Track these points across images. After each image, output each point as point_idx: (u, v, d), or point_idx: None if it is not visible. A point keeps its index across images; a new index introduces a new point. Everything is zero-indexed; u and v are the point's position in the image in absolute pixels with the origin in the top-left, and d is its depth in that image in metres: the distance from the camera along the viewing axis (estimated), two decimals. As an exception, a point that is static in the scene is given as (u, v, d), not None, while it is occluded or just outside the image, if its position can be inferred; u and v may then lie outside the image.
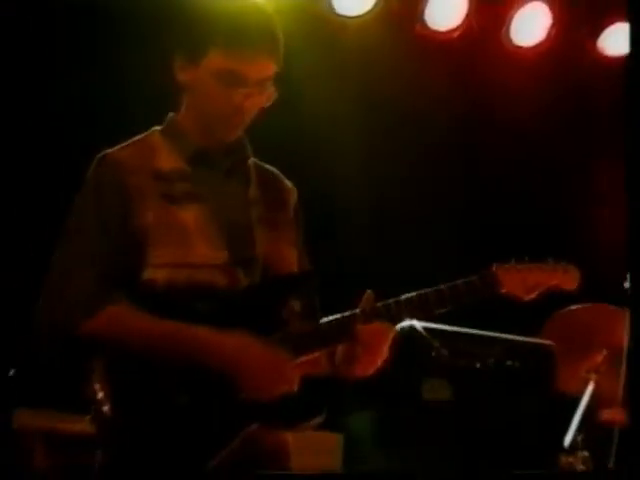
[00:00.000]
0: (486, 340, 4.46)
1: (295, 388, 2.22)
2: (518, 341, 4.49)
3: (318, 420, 2.34)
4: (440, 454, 4.39)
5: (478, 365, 4.38)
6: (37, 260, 2.46)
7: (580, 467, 4.50)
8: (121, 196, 2.27)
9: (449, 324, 4.40)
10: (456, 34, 4.98)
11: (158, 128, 2.43)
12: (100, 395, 2.18)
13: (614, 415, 4.34)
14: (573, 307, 4.47)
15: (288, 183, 2.52)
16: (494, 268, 2.36)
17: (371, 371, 2.36)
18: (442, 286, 2.34)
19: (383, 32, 4.93)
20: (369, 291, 2.33)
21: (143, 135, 2.43)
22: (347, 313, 2.32)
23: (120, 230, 2.27)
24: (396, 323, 2.39)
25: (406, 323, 4.46)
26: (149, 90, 4.05)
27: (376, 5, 4.84)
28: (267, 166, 2.50)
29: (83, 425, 3.77)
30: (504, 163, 5.30)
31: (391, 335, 2.35)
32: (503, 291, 2.35)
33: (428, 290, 2.35)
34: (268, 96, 2.33)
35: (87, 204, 2.30)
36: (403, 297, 2.35)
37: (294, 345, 2.26)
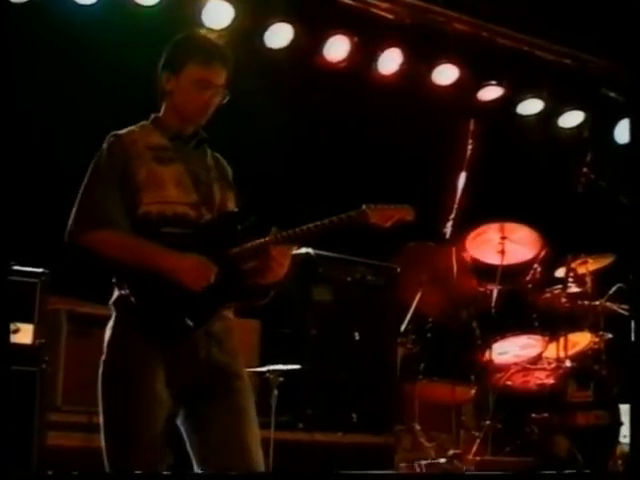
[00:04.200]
0: (354, 262, 4.69)
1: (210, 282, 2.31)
2: (375, 264, 4.75)
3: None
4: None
5: (349, 279, 4.63)
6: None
7: (408, 346, 4.82)
8: (125, 157, 2.40)
9: (332, 252, 4.60)
10: (342, 64, 5.20)
11: (146, 122, 2.54)
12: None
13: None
14: (410, 244, 4.76)
15: (225, 163, 2.62)
16: (364, 207, 2.38)
17: (278, 277, 2.42)
18: (326, 219, 2.36)
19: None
20: (274, 227, 2.39)
21: (138, 124, 2.52)
22: (262, 240, 2.38)
23: (123, 178, 2.37)
24: (295, 246, 2.42)
25: (303, 250, 4.64)
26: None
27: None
28: (213, 151, 2.60)
29: (94, 309, 3.92)
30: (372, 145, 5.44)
31: (290, 254, 2.41)
32: (371, 222, 2.37)
33: (318, 222, 2.37)
34: (223, 95, 2.49)
35: (103, 160, 2.41)
36: (298, 228, 2.37)
37: (235, 258, 2.38)
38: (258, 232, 2.43)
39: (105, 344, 2.34)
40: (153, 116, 2.56)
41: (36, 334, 3.49)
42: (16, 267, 3.46)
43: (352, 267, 4.69)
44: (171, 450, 2.32)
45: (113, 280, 2.39)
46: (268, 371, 3.87)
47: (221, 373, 2.36)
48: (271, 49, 5.04)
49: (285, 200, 4.87)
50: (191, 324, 2.30)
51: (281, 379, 3.88)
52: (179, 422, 2.36)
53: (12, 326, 3.39)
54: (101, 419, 2.31)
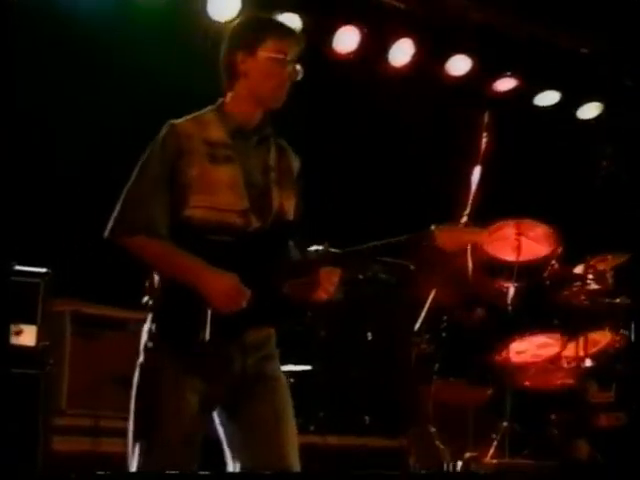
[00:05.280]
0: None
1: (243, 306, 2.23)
2: (389, 261, 4.60)
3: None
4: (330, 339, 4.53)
5: (361, 276, 4.63)
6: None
7: (423, 346, 4.89)
8: (178, 152, 2.31)
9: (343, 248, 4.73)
10: (352, 56, 5.14)
11: (212, 107, 2.43)
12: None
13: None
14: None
15: (293, 154, 2.51)
16: (433, 228, 2.25)
17: (319, 301, 2.28)
18: (390, 240, 2.25)
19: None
20: (326, 243, 2.48)
21: (202, 111, 2.43)
22: (313, 256, 2.38)
23: (173, 174, 2.29)
24: (343, 269, 2.27)
25: (313, 248, 4.56)
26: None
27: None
28: (280, 140, 2.49)
29: (99, 309, 3.99)
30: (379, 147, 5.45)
31: (338, 278, 2.26)
32: (437, 244, 2.25)
33: (377, 242, 2.24)
34: (297, 71, 2.40)
35: (155, 153, 2.33)
36: (356, 248, 2.27)
37: (281, 273, 2.29)
38: (309, 247, 2.40)
39: (141, 347, 2.32)
40: (220, 101, 2.44)
41: (40, 336, 3.48)
42: (18, 267, 3.45)
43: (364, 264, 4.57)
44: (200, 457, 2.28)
45: (146, 284, 2.35)
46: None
47: (255, 380, 2.33)
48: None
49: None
50: (205, 338, 2.24)
51: (291, 380, 3.84)
52: (217, 424, 2.34)
53: (15, 328, 3.38)
54: (131, 422, 2.28)
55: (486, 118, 4.46)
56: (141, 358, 2.32)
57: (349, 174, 5.33)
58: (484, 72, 5.57)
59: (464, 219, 4.26)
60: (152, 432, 2.24)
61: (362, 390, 4.48)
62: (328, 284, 2.28)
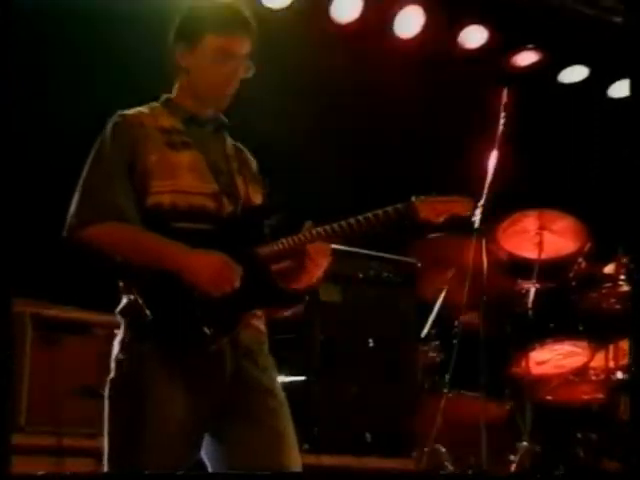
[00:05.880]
0: (367, 257, 4.62)
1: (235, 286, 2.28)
2: (391, 259, 4.70)
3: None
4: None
5: (361, 276, 4.58)
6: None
7: (432, 354, 4.90)
8: (133, 139, 2.37)
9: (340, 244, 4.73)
10: (354, 27, 5.15)
11: (156, 103, 2.53)
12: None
13: (470, 319, 4.58)
14: (431, 236, 4.67)
15: (249, 154, 2.62)
16: (413, 199, 2.38)
17: (313, 281, 2.40)
18: (369, 213, 2.35)
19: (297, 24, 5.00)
20: (309, 221, 2.38)
21: (146, 105, 2.51)
22: (295, 237, 2.35)
23: (130, 163, 2.35)
24: (332, 241, 2.37)
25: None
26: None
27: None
28: (234, 141, 2.60)
29: (64, 312, 3.95)
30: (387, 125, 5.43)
31: (329, 253, 2.36)
32: (421, 217, 2.37)
33: (360, 217, 2.35)
34: (247, 68, 2.48)
35: (108, 142, 2.37)
36: (337, 224, 2.35)
37: (263, 258, 2.35)
38: (288, 230, 2.41)
39: (113, 361, 2.32)
40: (164, 97, 2.54)
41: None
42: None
43: (365, 262, 4.66)
44: None
45: (120, 284, 2.35)
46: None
47: (252, 390, 2.34)
48: (271, 10, 5.02)
49: (301, 183, 4.88)
50: (208, 332, 2.25)
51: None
52: (203, 451, 2.33)
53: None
54: (106, 447, 2.27)
55: (504, 96, 4.49)
56: (113, 373, 2.30)
57: (348, 158, 5.35)
58: (502, 44, 5.57)
59: (479, 210, 4.32)
60: (137, 458, 2.21)
61: (362, 404, 4.44)
62: (320, 257, 2.35)
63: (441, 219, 2.40)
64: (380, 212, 2.36)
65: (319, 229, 2.36)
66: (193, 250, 2.29)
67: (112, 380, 2.29)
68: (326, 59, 5.11)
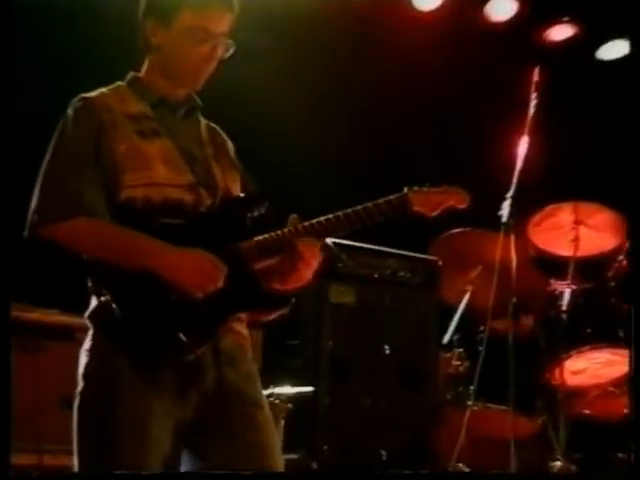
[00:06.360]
0: (384, 254, 4.64)
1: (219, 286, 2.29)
2: (410, 256, 4.72)
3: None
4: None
5: (376, 275, 4.59)
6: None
7: (455, 362, 4.91)
8: (99, 126, 2.36)
9: (354, 241, 4.52)
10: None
11: (122, 83, 2.52)
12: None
13: (502, 325, 4.63)
14: (454, 231, 4.67)
15: (225, 136, 2.63)
16: (406, 190, 2.44)
17: (302, 282, 2.41)
18: (360, 207, 2.39)
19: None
20: (294, 215, 2.40)
21: (110, 86, 2.50)
22: (280, 232, 2.37)
23: (97, 153, 2.34)
24: (320, 237, 2.39)
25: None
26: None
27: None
28: (208, 121, 2.62)
29: (47, 315, 3.93)
30: (408, 104, 5.46)
31: (319, 249, 2.39)
32: (414, 209, 2.42)
33: (349, 210, 2.39)
34: (227, 47, 2.47)
35: (69, 129, 2.36)
36: (324, 218, 2.38)
37: (246, 256, 2.36)
38: (273, 224, 2.42)
39: (81, 372, 2.31)
40: (132, 75, 2.53)
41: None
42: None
43: (381, 260, 4.67)
44: None
45: (89, 284, 2.34)
46: (272, 396, 3.85)
47: (235, 403, 2.34)
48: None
49: (303, 178, 4.95)
50: (184, 339, 2.24)
51: (289, 406, 3.86)
52: (183, 467, 2.33)
53: None
54: (76, 465, 2.26)
55: (536, 75, 4.47)
56: (82, 386, 2.28)
57: (366, 148, 5.39)
58: (534, 17, 5.56)
59: (508, 202, 4.29)
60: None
61: (377, 418, 4.46)
62: (310, 256, 2.36)
63: (435, 212, 2.46)
64: (371, 205, 2.40)
65: (306, 224, 2.38)
66: (172, 247, 2.29)
67: (81, 393, 2.28)
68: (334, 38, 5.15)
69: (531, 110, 4.36)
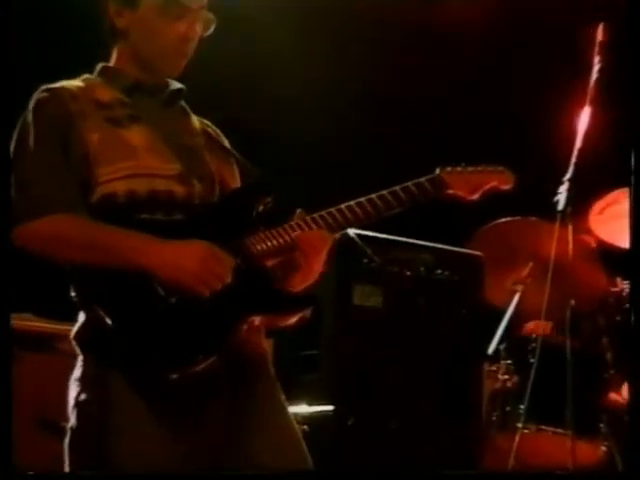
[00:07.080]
0: (417, 248, 4.62)
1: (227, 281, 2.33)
2: (448, 250, 4.69)
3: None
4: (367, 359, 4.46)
5: (409, 273, 4.54)
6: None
7: (502, 376, 4.93)
8: (66, 116, 2.40)
9: (381, 232, 4.56)
10: None
11: (90, 75, 2.57)
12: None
13: (537, 327, 4.69)
14: (501, 220, 4.71)
15: (219, 131, 2.70)
16: (438, 171, 2.51)
17: (310, 280, 2.48)
18: (385, 192, 2.46)
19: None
20: (300, 209, 2.47)
21: (78, 78, 2.55)
22: (283, 227, 2.44)
23: (65, 147, 2.38)
24: (335, 231, 2.47)
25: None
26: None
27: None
28: (198, 117, 2.68)
29: (23, 321, 3.96)
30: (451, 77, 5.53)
31: (329, 241, 2.45)
32: (450, 192, 2.49)
33: (372, 195, 2.46)
34: (207, 24, 2.51)
35: (30, 122, 2.40)
36: (345, 204, 2.46)
37: (257, 252, 2.41)
38: (278, 219, 2.47)
39: (71, 405, 2.32)
40: (100, 66, 2.57)
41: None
42: None
43: (413, 255, 4.63)
44: None
45: (72, 295, 2.36)
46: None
47: (254, 428, 2.38)
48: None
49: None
50: (188, 351, 2.25)
51: (305, 428, 3.87)
52: None
53: None
54: None
55: (600, 34, 4.40)
56: (74, 421, 2.29)
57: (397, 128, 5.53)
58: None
59: (565, 186, 4.24)
60: None
61: (406, 442, 4.42)
62: (319, 246, 2.42)
63: (475, 195, 2.51)
64: (398, 188, 2.45)
65: (315, 216, 2.43)
66: (166, 241, 2.29)
67: (72, 430, 2.29)
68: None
69: (594, 76, 4.31)
